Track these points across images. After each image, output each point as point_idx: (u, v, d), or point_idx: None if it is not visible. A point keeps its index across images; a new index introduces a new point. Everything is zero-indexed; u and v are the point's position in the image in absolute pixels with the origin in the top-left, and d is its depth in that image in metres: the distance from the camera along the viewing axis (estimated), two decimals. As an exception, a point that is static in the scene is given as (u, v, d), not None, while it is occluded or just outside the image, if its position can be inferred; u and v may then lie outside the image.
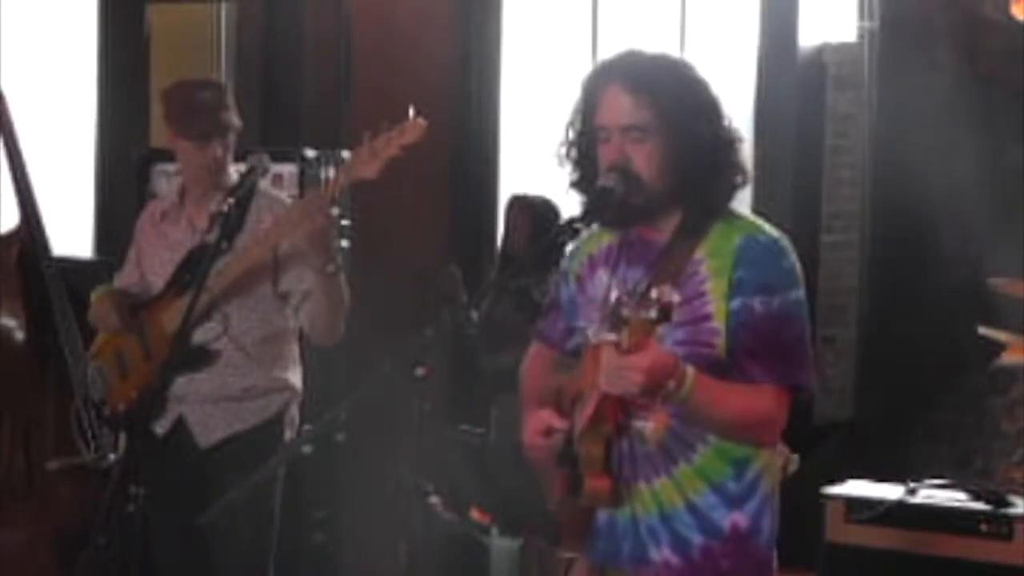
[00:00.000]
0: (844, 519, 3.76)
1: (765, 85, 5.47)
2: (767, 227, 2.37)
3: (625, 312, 2.10)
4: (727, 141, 2.34)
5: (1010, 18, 4.86)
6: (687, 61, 2.41)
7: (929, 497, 3.78)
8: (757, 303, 2.28)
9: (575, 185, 2.42)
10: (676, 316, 2.24)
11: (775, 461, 2.42)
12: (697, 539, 2.33)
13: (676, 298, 2.10)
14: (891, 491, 3.81)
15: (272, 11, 4.90)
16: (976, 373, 4.98)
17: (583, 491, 2.32)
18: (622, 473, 2.34)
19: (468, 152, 5.34)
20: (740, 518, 2.34)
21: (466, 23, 5.33)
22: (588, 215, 2.37)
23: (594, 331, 2.36)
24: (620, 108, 2.31)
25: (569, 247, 2.49)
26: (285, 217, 3.28)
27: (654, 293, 2.08)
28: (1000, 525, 3.60)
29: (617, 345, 2.13)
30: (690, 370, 2.21)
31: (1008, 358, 4.10)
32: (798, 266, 2.35)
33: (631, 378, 2.15)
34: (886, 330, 5.27)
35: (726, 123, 2.35)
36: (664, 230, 2.36)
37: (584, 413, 2.29)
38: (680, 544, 2.33)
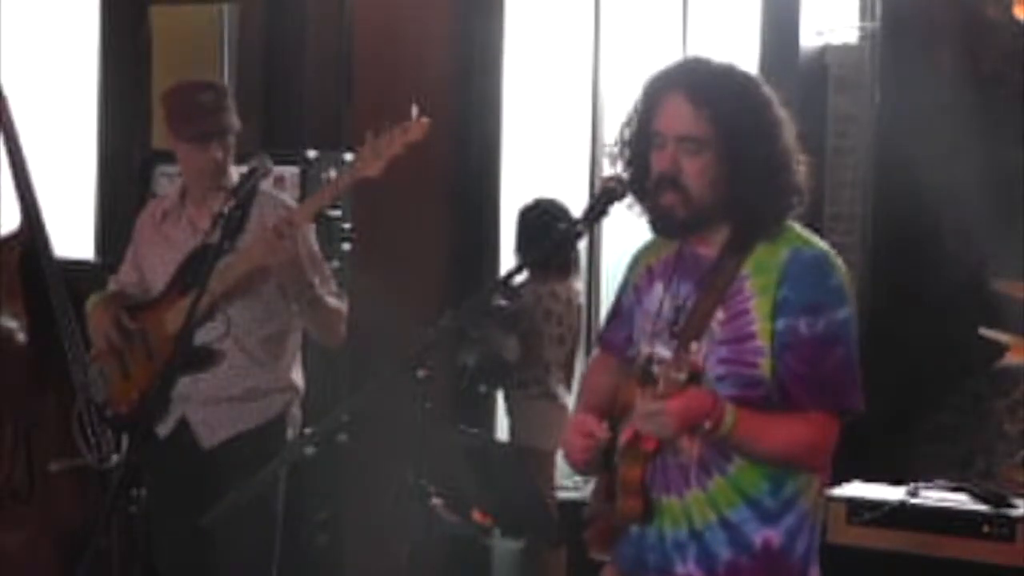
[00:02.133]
0: (846, 520, 3.75)
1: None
2: (815, 240, 2.33)
3: (656, 371, 2.17)
4: (783, 163, 2.29)
5: (1012, 19, 4.86)
6: (754, 78, 2.35)
7: (931, 499, 3.78)
8: (803, 325, 2.24)
9: (629, 185, 2.39)
10: (720, 334, 2.27)
11: (814, 481, 2.36)
12: (725, 554, 2.29)
13: (701, 359, 2.16)
14: (893, 493, 3.81)
15: (274, 13, 4.90)
16: (978, 375, 4.97)
17: (617, 510, 2.33)
18: (654, 486, 2.32)
19: (469, 153, 5.34)
20: (773, 535, 2.29)
21: (468, 25, 5.33)
22: (591, 215, 2.37)
23: (645, 350, 2.36)
24: (680, 117, 2.28)
25: (629, 253, 2.47)
26: (249, 248, 3.28)
27: (685, 351, 2.14)
28: (1002, 526, 3.60)
29: (652, 390, 2.17)
30: (730, 408, 2.21)
31: (1010, 359, 4.10)
32: (846, 282, 2.30)
33: (665, 423, 2.18)
34: (888, 331, 5.26)
35: (786, 144, 2.30)
36: (713, 244, 2.34)
37: (626, 431, 2.30)
38: (706, 558, 2.30)
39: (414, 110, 3.05)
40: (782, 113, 2.33)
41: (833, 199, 5.61)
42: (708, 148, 2.27)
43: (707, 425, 2.20)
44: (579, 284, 5.02)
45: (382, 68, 4.92)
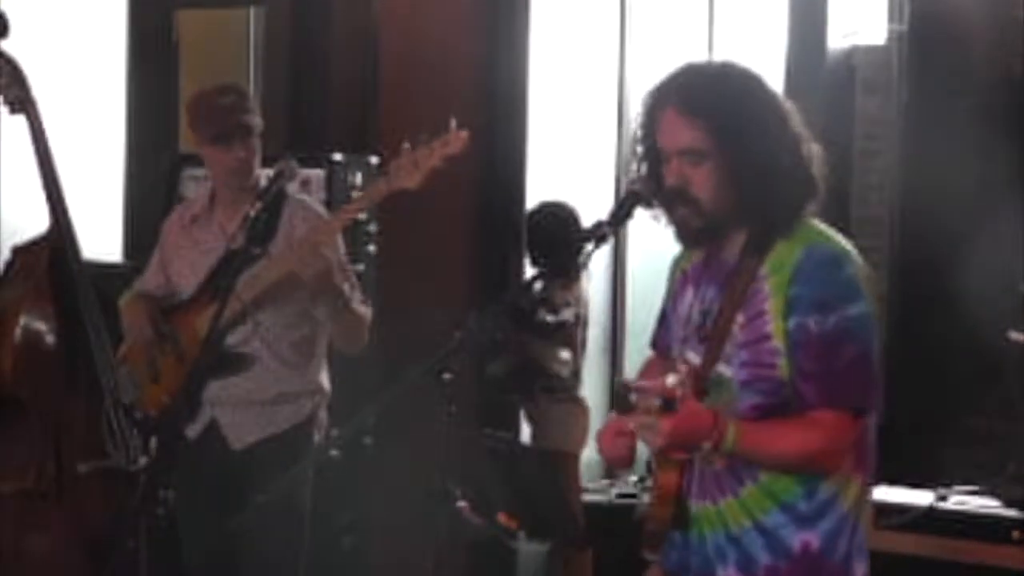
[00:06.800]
0: (873, 525, 3.72)
1: (793, 88, 5.44)
2: (833, 237, 2.32)
3: (633, 398, 2.17)
4: (789, 158, 2.28)
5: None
6: (753, 75, 2.34)
7: (960, 503, 3.75)
8: (812, 322, 2.22)
9: (654, 197, 2.38)
10: (740, 337, 2.26)
11: (853, 480, 2.36)
12: (764, 558, 2.30)
13: (679, 391, 2.16)
14: (921, 497, 3.79)
15: (300, 16, 4.92)
16: (1007, 378, 4.94)
17: (652, 516, 2.34)
18: (692, 493, 2.34)
19: (495, 156, 5.34)
20: (811, 538, 2.30)
21: (494, 27, 5.33)
22: (616, 218, 2.37)
23: (677, 354, 2.39)
24: (675, 132, 2.29)
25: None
26: (280, 256, 3.29)
27: (671, 379, 2.14)
28: (1031, 532, 3.57)
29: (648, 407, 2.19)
30: (732, 426, 2.20)
31: (1039, 363, 4.06)
32: (859, 277, 2.27)
33: (653, 439, 2.19)
34: (916, 335, 5.23)
35: (791, 138, 2.30)
36: (734, 248, 2.34)
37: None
38: (746, 563, 2.31)
39: (452, 123, 3.04)
40: (786, 106, 2.32)
41: (860, 201, 5.58)
42: (709, 157, 2.27)
43: (707, 445, 2.20)
44: (587, 285, 5.06)
45: (408, 71, 4.93)
